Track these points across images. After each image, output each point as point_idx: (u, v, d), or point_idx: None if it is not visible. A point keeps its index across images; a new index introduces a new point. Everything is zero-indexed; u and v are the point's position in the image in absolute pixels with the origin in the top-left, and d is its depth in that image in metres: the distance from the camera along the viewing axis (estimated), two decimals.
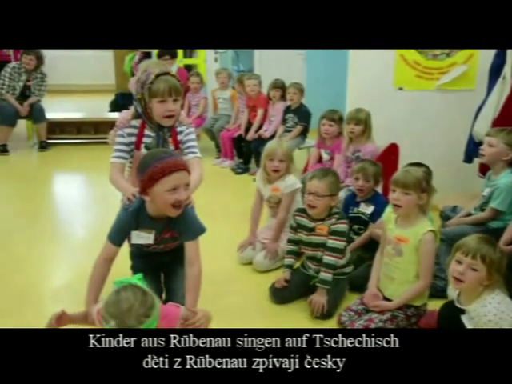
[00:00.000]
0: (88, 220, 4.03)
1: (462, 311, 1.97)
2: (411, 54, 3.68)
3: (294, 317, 2.58)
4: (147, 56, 6.38)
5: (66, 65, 10.45)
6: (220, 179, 4.92)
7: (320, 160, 3.86)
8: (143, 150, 2.30)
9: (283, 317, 2.58)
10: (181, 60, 6.40)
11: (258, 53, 6.78)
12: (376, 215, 2.79)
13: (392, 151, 3.47)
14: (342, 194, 3.10)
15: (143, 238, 2.02)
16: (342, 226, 2.60)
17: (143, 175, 1.88)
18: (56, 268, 3.19)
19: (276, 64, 6.30)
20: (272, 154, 3.04)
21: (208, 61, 6.64)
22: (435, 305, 2.33)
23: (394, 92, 3.76)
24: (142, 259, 2.31)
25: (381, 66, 3.70)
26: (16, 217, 4.05)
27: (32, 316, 2.54)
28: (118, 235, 2.05)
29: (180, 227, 2.02)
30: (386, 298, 2.37)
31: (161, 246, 2.10)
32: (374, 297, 2.38)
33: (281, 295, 2.69)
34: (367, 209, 2.92)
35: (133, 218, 2.01)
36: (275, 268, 3.04)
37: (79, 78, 10.68)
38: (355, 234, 2.94)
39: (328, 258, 2.56)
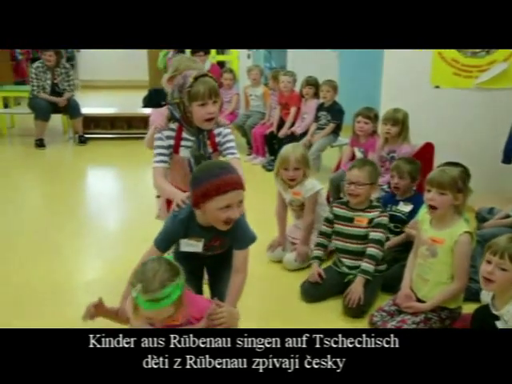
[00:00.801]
0: (120, 214, 4.09)
1: (497, 317, 1.92)
2: (449, 52, 3.60)
3: (324, 316, 2.56)
4: (181, 52, 6.43)
5: (101, 61, 10.66)
6: (251, 176, 4.87)
7: (353, 158, 3.81)
8: (182, 154, 2.27)
9: (313, 316, 2.57)
10: (214, 56, 6.44)
11: (291, 50, 6.75)
12: (414, 215, 2.76)
13: (427, 151, 3.41)
14: (375, 195, 3.05)
15: (192, 246, 1.98)
16: (385, 219, 2.67)
17: (197, 189, 1.83)
18: (88, 261, 3.24)
19: (309, 61, 6.25)
20: (285, 162, 2.97)
21: (241, 57, 6.66)
22: (470, 308, 2.27)
23: (431, 90, 3.68)
24: (186, 261, 2.26)
25: (417, 63, 3.64)
26: (50, 210, 4.14)
27: (66, 305, 2.60)
28: (165, 242, 1.99)
29: (231, 236, 1.98)
30: (419, 300, 2.32)
31: (208, 252, 2.06)
32: (406, 298, 2.34)
33: (312, 293, 2.68)
34: (406, 208, 2.91)
35: (182, 226, 1.96)
36: (305, 267, 3.02)
37: (113, 74, 10.87)
38: (391, 233, 2.90)
39: (371, 250, 2.60)
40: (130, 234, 3.54)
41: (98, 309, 1.80)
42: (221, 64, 6.67)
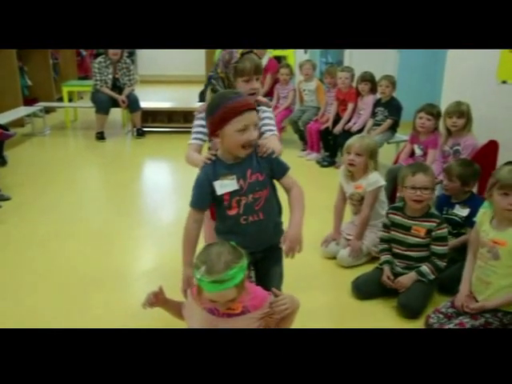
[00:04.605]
0: (176, 206, 4.16)
1: None
2: None
3: (376, 314, 2.52)
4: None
5: (159, 56, 10.91)
6: (305, 172, 4.89)
7: (412, 155, 3.72)
8: None
9: (365, 314, 2.53)
10: (271, 51, 6.43)
11: None
12: (471, 218, 2.65)
13: (491, 149, 3.27)
14: (436, 192, 2.95)
15: (227, 185, 1.90)
16: (445, 232, 2.57)
17: (214, 115, 1.83)
18: (145, 251, 3.32)
19: (366, 56, 6.11)
20: (349, 147, 3.01)
21: (297, 52, 6.62)
22: None
23: (497, 86, 3.51)
24: None
25: (483, 56, 3.47)
26: (109, 200, 4.29)
27: (126, 293, 2.68)
28: (199, 196, 1.93)
29: (269, 168, 1.93)
30: None
31: (249, 196, 1.92)
32: (467, 298, 2.25)
33: (364, 290, 2.64)
34: (462, 211, 2.81)
35: (207, 170, 1.92)
36: (359, 264, 2.98)
37: (171, 69, 11.09)
38: (449, 234, 2.80)
39: (438, 262, 2.56)
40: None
41: (157, 298, 1.81)
42: (278, 58, 6.66)
